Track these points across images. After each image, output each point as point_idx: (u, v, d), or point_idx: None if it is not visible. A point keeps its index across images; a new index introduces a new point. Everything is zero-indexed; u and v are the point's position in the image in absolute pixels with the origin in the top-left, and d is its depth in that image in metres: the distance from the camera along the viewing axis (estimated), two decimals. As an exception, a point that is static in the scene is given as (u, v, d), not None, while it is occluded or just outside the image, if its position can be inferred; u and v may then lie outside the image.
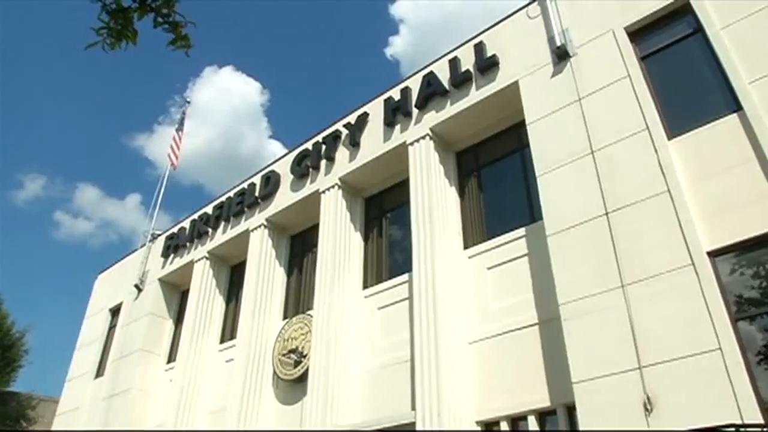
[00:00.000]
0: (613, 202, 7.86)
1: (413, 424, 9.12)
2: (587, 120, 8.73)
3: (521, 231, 9.78)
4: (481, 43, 11.18)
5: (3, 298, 27.34)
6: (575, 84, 9.22)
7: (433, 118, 11.42)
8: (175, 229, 17.77)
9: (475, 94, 10.86)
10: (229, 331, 15.25)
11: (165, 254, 17.57)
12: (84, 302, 21.02)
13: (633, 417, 6.47)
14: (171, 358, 16.35)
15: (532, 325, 8.82)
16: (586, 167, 8.41)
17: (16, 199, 75.64)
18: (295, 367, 12.13)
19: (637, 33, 9.11)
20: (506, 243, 9.90)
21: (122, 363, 16.66)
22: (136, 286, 17.76)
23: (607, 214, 7.83)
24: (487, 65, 10.79)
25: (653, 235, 7.33)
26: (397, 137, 11.94)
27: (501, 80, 10.54)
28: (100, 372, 17.95)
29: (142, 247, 18.79)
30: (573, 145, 8.72)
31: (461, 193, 11.35)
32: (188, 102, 22.92)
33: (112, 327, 18.72)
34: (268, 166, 15.23)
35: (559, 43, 9.62)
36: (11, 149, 71.67)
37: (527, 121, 9.68)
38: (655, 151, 7.81)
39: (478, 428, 8.86)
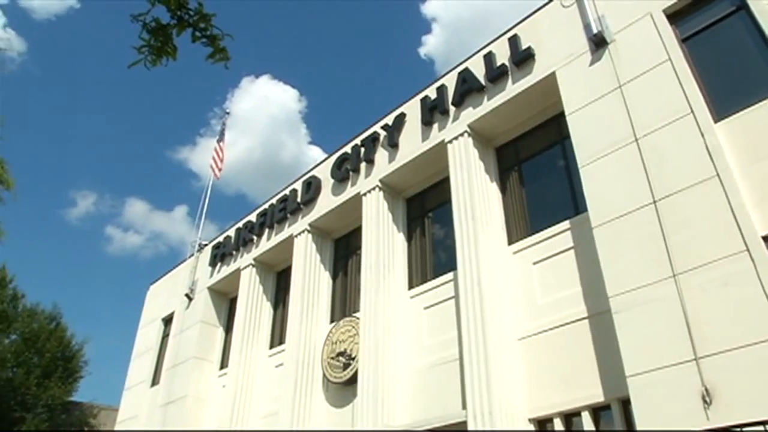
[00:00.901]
0: (661, 189, 7.64)
1: (464, 423, 9.06)
2: (629, 107, 8.52)
3: (566, 224, 9.62)
4: (515, 36, 11.05)
5: (61, 313, 28.26)
6: (614, 71, 9.02)
7: (470, 114, 11.34)
8: (221, 238, 18.11)
9: (512, 88, 10.73)
10: (277, 336, 15.45)
11: (212, 263, 17.92)
12: (138, 313, 21.65)
13: (691, 410, 6.27)
14: (223, 364, 16.66)
15: (581, 319, 8.66)
16: (630, 156, 8.20)
17: (70, 217, 78.35)
18: (345, 369, 12.20)
19: (676, 15, 8.85)
20: (551, 237, 9.75)
21: (176, 371, 17.06)
22: (187, 295, 18.16)
23: (654, 202, 7.62)
24: (523, 58, 10.66)
25: (704, 221, 7.10)
26: (436, 136, 11.90)
27: (538, 72, 10.39)
28: (155, 380, 18.43)
29: (190, 257, 19.20)
30: (615, 134, 8.53)
31: (503, 188, 11.23)
32: (228, 113, 23.33)
33: (165, 336, 19.20)
34: (309, 171, 15.38)
35: (595, 31, 9.42)
36: (63, 168, 74.30)
37: (567, 112, 9.51)
38: (702, 134, 7.57)
39: (531, 426, 8.75)
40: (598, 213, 8.25)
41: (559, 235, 9.63)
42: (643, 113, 8.32)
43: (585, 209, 8.73)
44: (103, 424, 25.86)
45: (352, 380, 11.72)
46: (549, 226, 9.88)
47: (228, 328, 17.33)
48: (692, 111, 7.79)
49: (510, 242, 10.48)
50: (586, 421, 8.13)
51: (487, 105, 11.07)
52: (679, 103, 7.97)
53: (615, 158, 8.39)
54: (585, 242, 8.84)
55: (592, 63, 9.49)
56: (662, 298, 7.02)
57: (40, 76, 73.95)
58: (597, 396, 8.04)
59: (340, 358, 12.41)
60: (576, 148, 9.06)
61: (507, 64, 10.92)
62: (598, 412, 8.16)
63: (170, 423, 16.08)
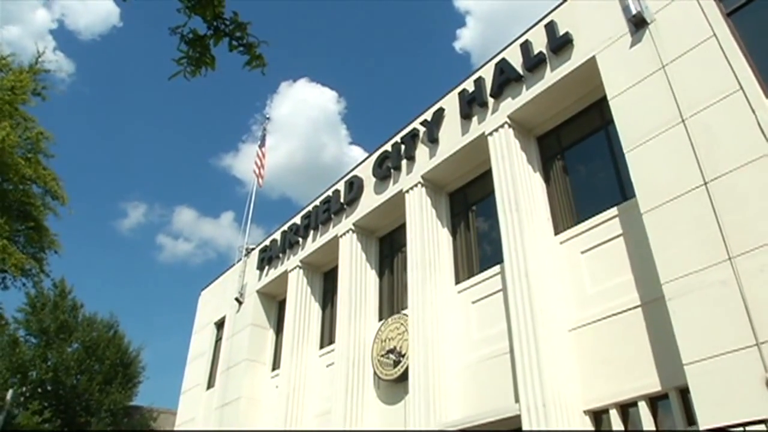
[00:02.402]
0: (711, 170, 7.38)
1: (518, 417, 8.96)
2: (674, 87, 8.27)
3: (613, 211, 9.41)
4: (551, 22, 10.86)
5: (118, 321, 29.22)
6: (657, 51, 8.76)
7: (509, 105, 11.21)
8: (267, 242, 18.39)
9: (551, 76, 10.55)
10: (327, 336, 15.59)
11: (260, 267, 18.21)
12: (191, 318, 22.18)
13: (754, 396, 6.04)
14: (275, 365, 16.91)
15: (634, 308, 8.46)
16: (677, 137, 7.96)
17: (122, 228, 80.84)
18: (395, 366, 12.22)
19: (720, -11, 8.55)
20: (598, 225, 9.55)
21: (230, 373, 17.40)
22: (237, 299, 18.51)
23: (705, 183, 7.38)
24: (561, 44, 10.46)
25: (759, 201, 6.83)
26: (476, 129, 11.81)
27: (577, 58, 10.18)
28: (211, 383, 18.85)
29: (238, 262, 19.56)
30: (661, 116, 8.28)
31: (546, 178, 11.07)
32: (268, 118, 23.68)
33: (218, 339, 19.61)
34: (350, 171, 15.47)
35: (634, 11, 9.17)
36: (114, 181, 76.71)
37: (609, 97, 9.29)
38: (753, 111, 7.29)
39: (586, 418, 8.59)
40: (647, 198, 8.03)
41: (607, 223, 9.43)
42: (689, 93, 8.06)
43: (633, 195, 8.52)
44: (163, 427, 26.61)
45: (403, 377, 11.73)
46: (596, 214, 9.69)
47: (278, 330, 17.58)
48: (741, 87, 7.50)
49: (556, 232, 10.32)
50: (643, 411, 7.94)
51: (527, 94, 10.92)
52: (726, 79, 7.70)
53: (662, 141, 8.15)
54: (634, 229, 8.63)
55: (632, 45, 9.24)
56: (718, 283, 6.79)
57: (88, 94, 76.58)
58: (653, 385, 7.84)
59: (390, 355, 12.44)
60: (620, 132, 8.85)
61: (545, 51, 10.74)
62: (655, 401, 7.96)
63: (226, 424, 16.42)
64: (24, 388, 24.74)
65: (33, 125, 14.12)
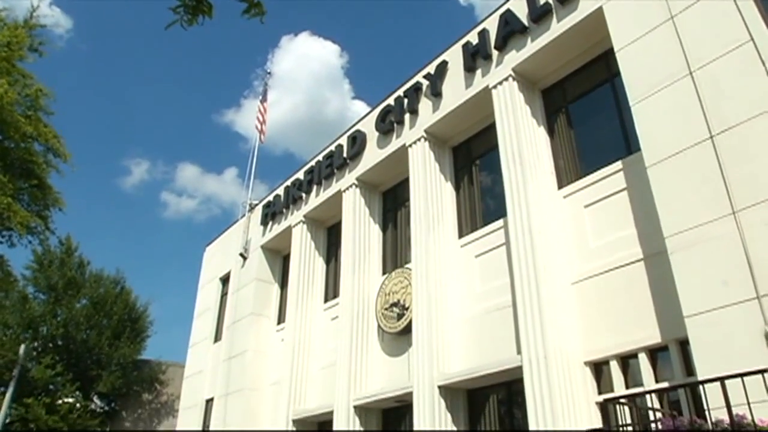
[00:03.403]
0: (718, 123, 7.30)
1: (519, 368, 9.13)
2: (682, 39, 8.10)
3: (618, 165, 9.36)
4: (559, -29, 10.57)
5: (125, 277, 29.54)
6: (666, 1, 8.55)
7: (514, 58, 11.02)
8: (270, 197, 18.41)
9: (557, 27, 10.34)
10: (331, 290, 15.77)
11: (264, 222, 18.29)
12: (196, 273, 22.43)
13: (752, 349, 6.13)
14: (280, 319, 17.17)
15: (636, 261, 8.51)
16: (684, 90, 7.84)
17: (126, 185, 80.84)
18: (399, 320, 12.40)
19: (733, -65, 8.27)
20: (602, 179, 9.52)
21: (236, 327, 17.69)
22: (241, 254, 18.66)
23: (711, 137, 7.31)
24: (568, -6, 10.21)
25: (766, 155, 6.79)
26: (479, 82, 11.65)
27: (583, 8, 9.94)
28: (218, 337, 19.19)
29: (242, 217, 19.64)
30: (668, 68, 8.14)
31: (551, 131, 10.97)
32: (269, 73, 23.39)
33: (224, 294, 19.87)
34: (353, 126, 15.35)
35: (645, -40, 8.91)
36: (116, 138, 76.35)
37: (616, 48, 9.11)
38: (763, 63, 7.15)
39: (587, 369, 8.75)
40: (652, 151, 7.97)
41: (611, 177, 9.39)
42: (698, 44, 7.90)
43: (638, 148, 8.46)
44: (172, 379, 27.21)
45: (407, 330, 11.91)
46: (600, 168, 9.64)
47: (283, 285, 17.77)
48: (752, 38, 7.34)
49: (560, 186, 10.30)
50: (643, 362, 8.08)
51: (531, 47, 10.72)
52: (737, 30, 7.53)
53: (669, 93, 8.04)
54: (638, 182, 8.60)
55: (641, -6, 9.01)
56: (721, 236, 6.81)
57: (87, 51, 75.45)
58: (654, 337, 7.96)
59: (394, 308, 12.61)
60: (627, 85, 8.72)
61: (551, 2, 10.49)
62: (655, 353, 8.09)
63: (233, 377, 16.78)
64: (36, 343, 25.23)
65: (31, 82, 13.94)
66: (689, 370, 7.39)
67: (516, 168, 10.31)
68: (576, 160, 10.37)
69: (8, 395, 18.93)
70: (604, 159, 9.68)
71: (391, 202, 14.85)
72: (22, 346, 20.39)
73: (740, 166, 6.92)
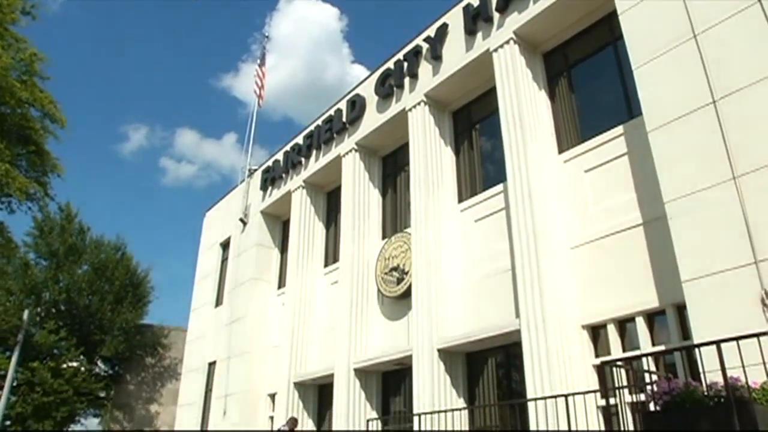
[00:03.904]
0: (721, 88, 7.22)
1: (518, 331, 9.23)
2: (686, 1, 7.94)
3: (619, 129, 9.29)
4: (562, -70, 10.32)
5: (125, 243, 29.64)
6: (671, -38, 8.36)
7: (515, 20, 10.84)
8: (269, 163, 18.35)
9: (560, -12, 10.13)
10: (331, 255, 15.84)
11: (263, 187, 18.26)
12: (197, 239, 22.50)
13: (748, 313, 6.19)
14: (281, 284, 17.29)
15: (635, 226, 8.53)
16: (688, 54, 7.73)
17: (124, 151, 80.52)
18: (398, 284, 12.48)
19: None
20: (603, 143, 9.47)
21: (237, 292, 17.82)
22: (241, 219, 18.69)
23: (714, 102, 7.23)
24: (571, -46, 9.98)
25: (767, 121, 6.73)
26: (480, 45, 11.49)
27: (587, -31, 9.74)
28: (219, 301, 19.35)
29: (241, 183, 19.60)
30: (672, 31, 8.01)
31: (551, 95, 10.87)
32: (267, 37, 23.11)
33: (224, 259, 19.97)
34: (353, 90, 15.20)
35: None
36: (113, 104, 75.72)
37: (619, 11, 8.95)
38: (768, 25, 7.04)
39: (584, 332, 8.85)
40: (654, 116, 7.90)
41: (612, 141, 9.34)
42: (703, 7, 7.75)
43: (639, 113, 8.38)
44: (174, 343, 27.55)
45: (406, 294, 12.00)
46: (601, 133, 9.58)
47: (283, 250, 17.85)
48: (759, 0, 7.21)
49: (560, 151, 10.25)
50: (640, 326, 8.17)
51: (533, 9, 10.53)
52: (742, -9, 7.38)
53: (672, 57, 7.92)
54: (639, 147, 8.55)
55: (646, -46, 8.81)
56: (721, 202, 6.80)
57: (82, 16, 74.23)
58: (651, 302, 8.03)
59: (394, 273, 12.69)
60: (629, 48, 8.59)
61: (554, -38, 10.27)
62: (652, 317, 8.18)
63: (235, 340, 16.99)
64: (39, 309, 25.47)
65: (25, 46, 13.76)
66: (685, 334, 7.47)
67: (516, 132, 10.25)
68: (577, 125, 10.30)
69: (14, 359, 19.20)
70: (605, 123, 9.61)
71: (391, 166, 14.81)
72: (26, 312, 20.59)
73: (742, 132, 6.87)
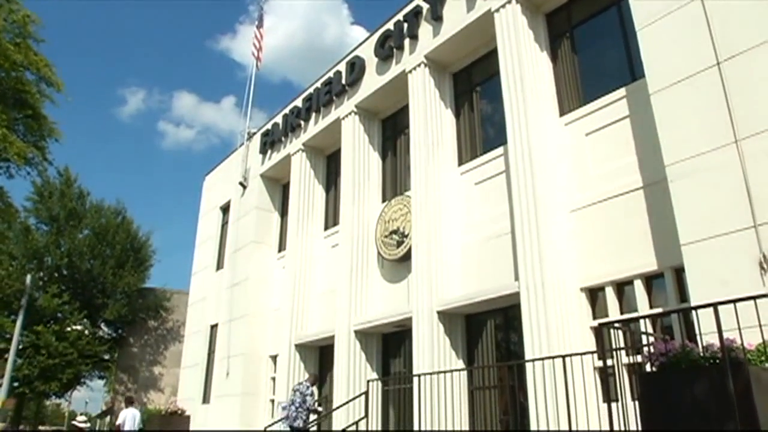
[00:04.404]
0: (726, 50, 7.10)
1: (517, 294, 9.30)
2: (693, -42, 7.76)
3: (621, 92, 9.19)
4: None
5: (125, 207, 29.70)
6: None
7: (517, -22, 10.60)
8: (269, 126, 18.23)
9: (563, -54, 9.91)
10: (331, 218, 15.87)
11: (263, 151, 18.19)
12: (197, 202, 22.53)
13: (746, 276, 6.23)
14: (281, 247, 17.37)
15: (635, 190, 8.51)
16: (693, 13, 7.57)
17: (122, 115, 79.96)
18: (398, 247, 12.53)
19: None
20: (605, 106, 9.38)
21: (238, 255, 17.91)
22: (241, 183, 18.66)
23: (718, 63, 7.13)
24: None
25: (772, 81, 6.64)
26: (481, 5, 11.28)
27: (591, -75, 9.50)
28: (219, 265, 19.47)
29: (240, 146, 19.50)
30: (677, -10, 7.84)
31: (554, 57, 10.72)
32: (265, -4, 22.57)
33: (224, 223, 20.02)
34: (352, 51, 14.99)
35: None
36: (110, 67, 74.89)
37: (623, -31, 8.77)
38: (775, -16, 6.89)
39: (582, 295, 8.91)
40: (657, 78, 7.80)
41: (614, 104, 9.25)
42: (709, -36, 7.57)
43: (642, 75, 8.28)
44: (176, 306, 27.82)
45: (406, 257, 12.06)
46: (603, 95, 9.48)
47: (283, 213, 17.87)
48: (765, -43, 7.04)
49: (562, 113, 10.16)
50: (638, 289, 8.22)
51: (536, -33, 10.31)
52: (750, -51, 7.21)
53: (676, 17, 7.78)
54: (641, 110, 8.47)
55: None
56: (722, 165, 6.77)
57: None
58: (650, 265, 8.07)
59: (394, 235, 12.72)
60: (633, 8, 8.42)
61: None
62: (650, 280, 8.23)
63: (236, 303, 17.15)
64: (41, 273, 25.66)
65: (18, 7, 13.50)
66: (683, 297, 7.53)
67: (517, 94, 10.14)
68: (579, 87, 10.18)
69: (19, 323, 19.42)
70: (607, 86, 9.50)
71: (391, 129, 14.71)
72: (28, 276, 20.75)
73: (745, 94, 6.79)
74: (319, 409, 10.62)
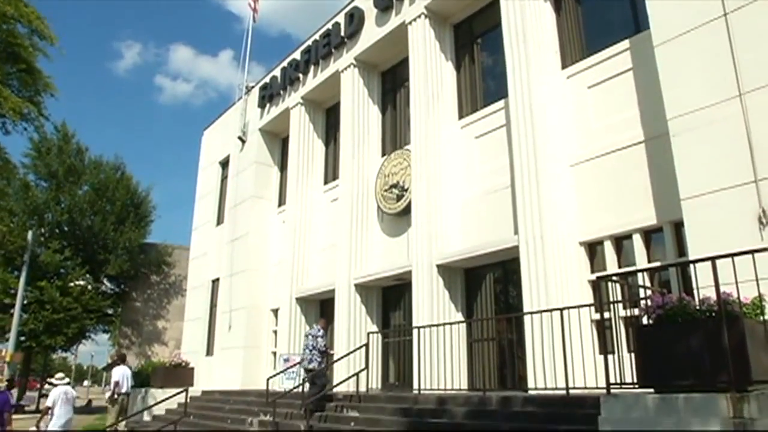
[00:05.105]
0: (733, 0, 6.92)
1: (516, 248, 9.34)
2: None
3: (624, 44, 9.02)
4: None
5: (124, 163, 29.54)
6: None
7: (520, -75, 10.28)
8: (267, 79, 17.99)
9: None
10: (331, 172, 15.83)
11: (261, 104, 18.00)
12: (196, 157, 22.42)
13: (745, 231, 6.23)
14: (281, 202, 17.38)
15: (636, 144, 8.44)
16: (699, -39, 7.36)
17: (118, 69, 78.81)
18: (398, 201, 12.53)
19: None
20: (608, 58, 9.21)
21: (238, 210, 17.94)
22: (240, 138, 18.54)
23: (725, 14, 6.95)
24: None
25: (779, 33, 6.50)
26: (482, -47, 10.96)
27: None
28: (220, 220, 19.53)
29: (239, 100, 19.29)
30: (684, -63, 7.59)
31: (557, 8, 10.47)
32: (260, -57, 21.94)
33: (224, 178, 19.98)
34: (351, 2, 14.66)
35: None
36: (104, 20, 73.40)
37: None
38: (786, -70, 6.67)
39: (581, 249, 8.95)
40: (661, 30, 7.63)
41: (617, 57, 9.08)
42: None
43: (647, 26, 8.09)
44: (178, 261, 28.01)
45: (406, 210, 12.08)
46: (606, 47, 9.30)
47: (282, 167, 17.81)
48: None
49: (564, 66, 10.00)
50: (637, 243, 8.25)
51: None
52: None
53: (682, -35, 7.55)
54: (645, 63, 8.34)
55: None
56: (725, 119, 6.69)
57: None
58: (649, 219, 8.07)
59: (393, 189, 12.71)
60: (639, -44, 8.20)
61: None
62: (649, 234, 8.25)
63: (237, 258, 17.27)
64: (42, 230, 25.74)
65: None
66: (681, 251, 7.56)
67: (519, 46, 9.97)
68: (582, 39, 9.99)
69: (22, 278, 19.60)
70: (610, 38, 9.31)
71: (391, 82, 14.52)
72: (29, 233, 20.83)
73: (752, 47, 6.64)
74: (331, 351, 10.90)
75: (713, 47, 6.96)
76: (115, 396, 12.85)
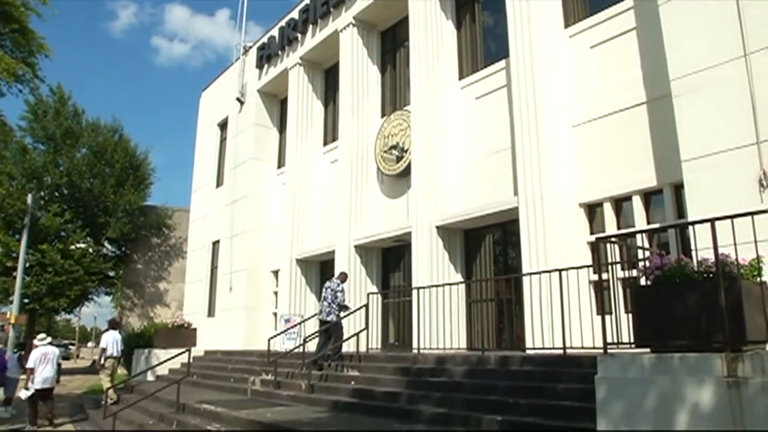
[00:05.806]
0: (740, -45, 6.75)
1: (516, 209, 9.35)
2: None
3: (629, 2, 8.84)
4: None
5: (122, 125, 29.28)
6: None
7: None
8: (264, 39, 17.73)
9: None
10: (330, 134, 15.74)
11: (259, 65, 17.78)
12: (195, 119, 22.24)
13: (745, 193, 6.21)
14: (280, 163, 17.33)
15: (638, 105, 8.36)
16: None
17: (114, 30, 77.55)
18: (398, 162, 12.49)
19: None
20: (611, 17, 9.04)
21: (237, 172, 17.89)
22: (238, 99, 18.37)
23: (730, -30, 6.80)
24: None
25: (786, -10, 6.36)
26: None
27: None
28: (219, 181, 19.50)
29: (236, 61, 19.04)
30: None
31: (559, -36, 10.23)
32: None
33: (223, 140, 19.88)
34: (348, -41, 14.34)
35: None
36: (96, -27, 71.91)
37: None
38: None
39: (581, 210, 8.95)
40: (665, -14, 7.47)
41: (621, 15, 8.91)
42: None
43: (651, -17, 7.92)
44: (178, 223, 28.06)
45: (406, 172, 12.05)
46: (610, 6, 9.12)
47: (281, 129, 17.70)
48: None
49: (566, 25, 9.82)
50: (637, 205, 8.25)
51: None
52: None
53: None
54: (649, 22, 8.17)
55: None
56: (729, 80, 6.59)
57: None
58: (649, 181, 8.05)
59: (393, 151, 12.65)
60: None
61: None
62: (649, 196, 8.24)
63: (237, 219, 17.31)
64: (42, 193, 25.71)
65: None
66: (681, 213, 7.57)
67: (521, 5, 9.79)
68: (585, -4, 9.79)
69: (24, 241, 19.67)
70: (614, -5, 9.12)
71: (390, 42, 14.32)
72: (29, 196, 20.81)
73: (759, 5, 6.50)
74: (349, 305, 10.98)
75: (719, 5, 6.82)
76: (102, 361, 13.35)
